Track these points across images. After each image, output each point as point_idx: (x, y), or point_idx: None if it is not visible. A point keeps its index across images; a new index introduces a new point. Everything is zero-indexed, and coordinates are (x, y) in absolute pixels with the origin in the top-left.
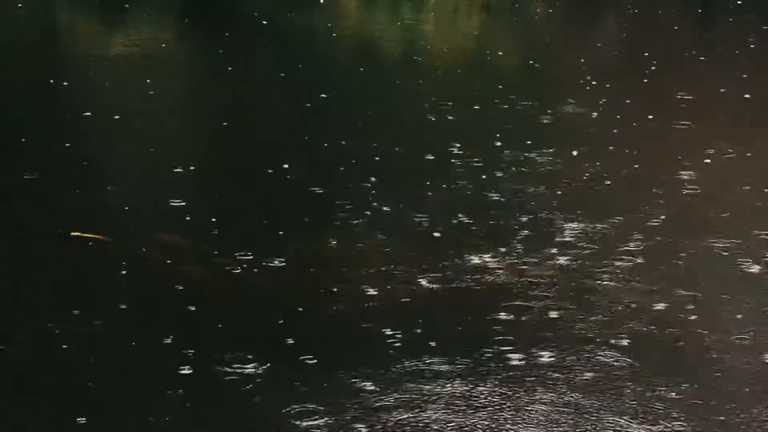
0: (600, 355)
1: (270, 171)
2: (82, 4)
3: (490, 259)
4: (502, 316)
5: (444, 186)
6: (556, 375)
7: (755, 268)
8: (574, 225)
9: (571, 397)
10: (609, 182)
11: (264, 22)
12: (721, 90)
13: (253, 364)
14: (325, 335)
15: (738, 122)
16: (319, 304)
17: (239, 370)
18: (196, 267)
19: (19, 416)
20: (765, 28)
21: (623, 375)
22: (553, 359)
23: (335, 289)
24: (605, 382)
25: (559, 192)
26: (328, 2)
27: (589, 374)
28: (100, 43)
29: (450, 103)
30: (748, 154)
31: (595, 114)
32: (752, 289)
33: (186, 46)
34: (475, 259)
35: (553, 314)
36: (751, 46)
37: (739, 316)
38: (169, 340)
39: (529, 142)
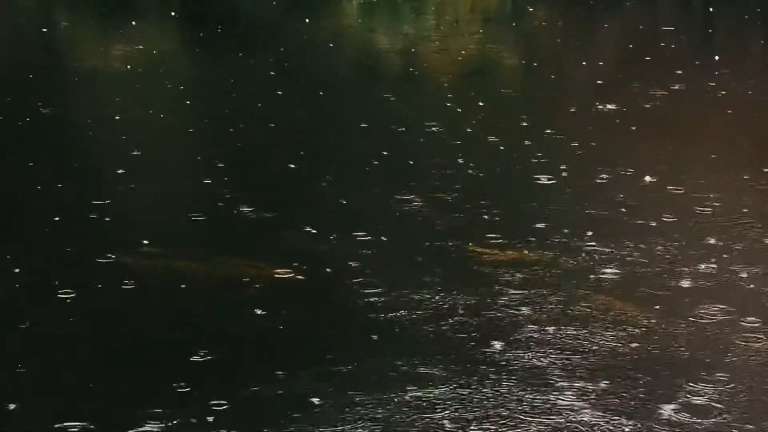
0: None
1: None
2: (82, 9)
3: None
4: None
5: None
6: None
7: None
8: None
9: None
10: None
11: (263, 28)
12: None
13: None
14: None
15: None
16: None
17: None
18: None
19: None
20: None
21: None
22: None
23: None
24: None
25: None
26: (329, 10)
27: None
28: (99, 49)
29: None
30: None
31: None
32: None
33: (185, 54)
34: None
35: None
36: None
37: None
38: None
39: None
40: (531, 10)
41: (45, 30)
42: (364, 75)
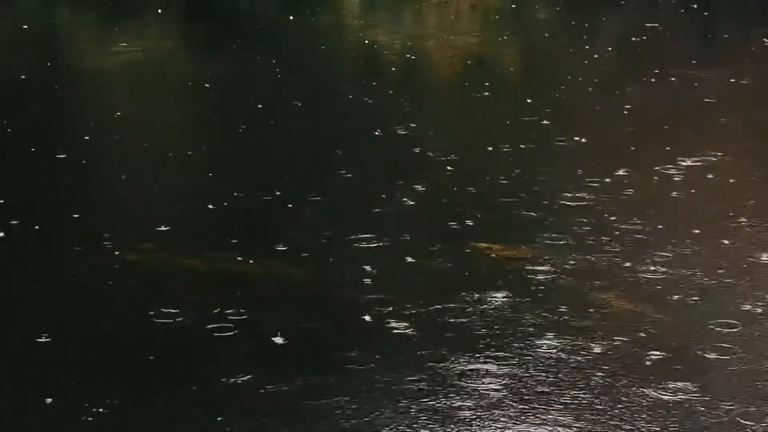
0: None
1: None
2: (84, 9)
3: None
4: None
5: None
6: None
7: None
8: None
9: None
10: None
11: (263, 25)
12: None
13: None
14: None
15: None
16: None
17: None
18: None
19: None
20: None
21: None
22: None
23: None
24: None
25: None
26: (330, 6)
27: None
28: (101, 48)
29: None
30: None
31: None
32: None
33: (184, 51)
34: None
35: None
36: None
37: None
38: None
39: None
40: (532, 6)
41: (42, 28)
42: (364, 72)
